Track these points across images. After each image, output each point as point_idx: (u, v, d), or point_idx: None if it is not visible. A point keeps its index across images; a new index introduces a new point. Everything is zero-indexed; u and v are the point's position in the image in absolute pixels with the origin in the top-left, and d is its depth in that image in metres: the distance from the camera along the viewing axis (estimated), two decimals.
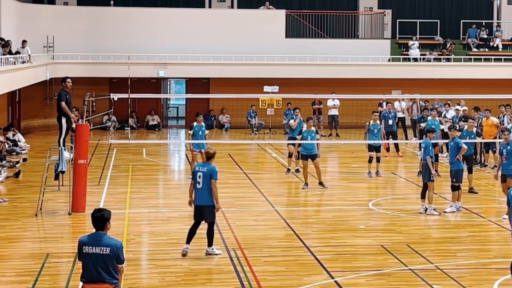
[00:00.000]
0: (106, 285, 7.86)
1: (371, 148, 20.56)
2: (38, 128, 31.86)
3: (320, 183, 18.57)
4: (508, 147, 15.44)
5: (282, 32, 34.03)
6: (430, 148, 15.87)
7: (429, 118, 22.30)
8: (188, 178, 20.21)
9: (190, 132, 19.61)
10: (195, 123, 19.71)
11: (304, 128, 19.07)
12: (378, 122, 20.94)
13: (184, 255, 12.32)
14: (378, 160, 20.67)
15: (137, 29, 33.00)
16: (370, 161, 20.63)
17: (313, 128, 18.89)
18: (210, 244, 12.44)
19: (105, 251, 7.86)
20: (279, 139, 29.45)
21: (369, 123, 20.76)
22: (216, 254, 12.41)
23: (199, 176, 12.31)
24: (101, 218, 7.95)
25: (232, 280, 11.13)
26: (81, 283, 8.16)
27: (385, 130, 24.63)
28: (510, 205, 10.25)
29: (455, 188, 16.03)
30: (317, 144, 18.90)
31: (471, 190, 18.25)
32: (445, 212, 15.83)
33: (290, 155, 21.08)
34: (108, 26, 32.93)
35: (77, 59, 31.84)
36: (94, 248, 7.87)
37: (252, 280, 11.13)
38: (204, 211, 12.33)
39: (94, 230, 8.04)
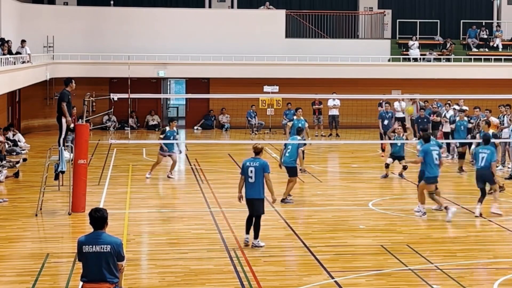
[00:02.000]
0: (107, 285, 7.86)
1: (392, 155, 20.44)
2: (38, 128, 31.86)
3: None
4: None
5: (282, 32, 34.03)
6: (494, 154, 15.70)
7: (457, 119, 22.09)
8: (188, 177, 20.23)
9: (162, 136, 19.99)
10: (167, 128, 20.06)
11: (295, 118, 20.14)
12: (402, 135, 20.76)
13: (246, 245, 12.86)
14: (405, 167, 20.30)
15: (137, 29, 33.00)
16: (387, 166, 20.43)
17: (301, 117, 20.37)
18: (256, 236, 12.89)
19: (106, 249, 7.86)
20: (279, 139, 29.42)
21: (395, 135, 20.73)
22: (261, 246, 12.83)
23: (251, 171, 12.79)
24: (101, 218, 7.96)
25: (232, 280, 11.13)
26: (81, 283, 8.14)
27: (382, 129, 24.71)
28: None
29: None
30: (306, 133, 20.13)
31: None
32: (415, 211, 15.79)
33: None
34: (108, 26, 32.94)
35: (77, 59, 31.84)
36: (94, 246, 7.86)
37: (252, 280, 11.13)
38: (255, 204, 12.84)
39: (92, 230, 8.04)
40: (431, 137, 16.60)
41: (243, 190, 13.06)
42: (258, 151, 13.08)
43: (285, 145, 17.58)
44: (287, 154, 17.16)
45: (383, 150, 24.69)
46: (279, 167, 17.62)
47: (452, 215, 15.09)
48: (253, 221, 12.94)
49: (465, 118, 21.99)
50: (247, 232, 13.02)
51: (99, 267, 7.84)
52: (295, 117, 21.23)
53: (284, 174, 20.58)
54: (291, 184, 16.96)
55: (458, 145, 21.81)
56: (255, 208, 12.89)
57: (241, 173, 13.13)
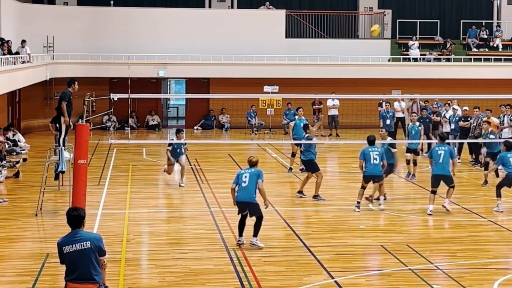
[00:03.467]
0: (90, 285, 7.81)
1: (408, 150, 20.24)
2: (38, 128, 31.85)
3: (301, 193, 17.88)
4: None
5: (282, 32, 34.03)
6: None
7: (483, 132, 20.88)
8: (188, 177, 20.18)
9: (169, 148, 19.23)
10: (174, 139, 19.62)
11: (296, 117, 20.70)
12: (417, 123, 20.59)
13: (239, 245, 12.90)
14: (415, 163, 20.14)
15: (137, 29, 33.00)
16: (408, 162, 20.30)
17: (303, 117, 20.54)
18: (255, 234, 12.94)
19: (86, 245, 7.82)
20: (279, 139, 29.45)
21: (408, 124, 20.41)
22: (259, 247, 12.81)
23: (245, 177, 12.87)
24: (77, 217, 7.94)
25: (232, 280, 11.13)
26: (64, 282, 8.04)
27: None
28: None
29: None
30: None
31: None
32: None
33: (293, 155, 21.13)
34: (108, 26, 32.93)
35: (77, 59, 31.85)
36: (74, 245, 7.82)
37: (252, 280, 11.13)
38: (248, 207, 12.88)
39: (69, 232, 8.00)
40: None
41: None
42: (253, 164, 13.13)
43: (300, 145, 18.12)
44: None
45: None
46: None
47: (356, 209, 15.98)
48: (255, 220, 12.96)
49: (416, 123, 20.72)
50: (240, 234, 13.06)
51: (83, 265, 7.80)
52: (296, 117, 21.20)
53: (281, 174, 20.61)
54: (319, 179, 17.23)
55: (485, 154, 20.53)
56: (251, 212, 12.92)
57: (233, 182, 13.04)
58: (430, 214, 15.66)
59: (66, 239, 7.92)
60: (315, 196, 17.23)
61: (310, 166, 17.50)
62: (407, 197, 18.16)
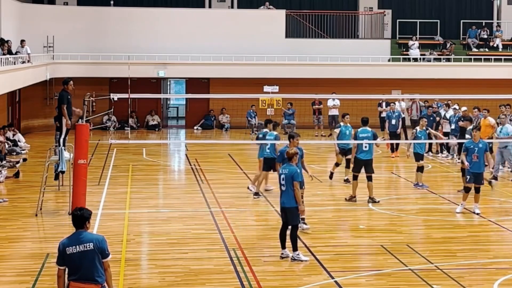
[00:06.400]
0: (93, 286, 7.81)
1: (418, 157, 18.67)
2: (38, 128, 31.87)
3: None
4: None
5: (282, 32, 34.03)
6: None
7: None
8: (188, 177, 20.21)
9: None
10: (268, 130, 17.99)
11: (342, 124, 19.46)
12: (424, 128, 18.89)
13: (282, 258, 12.14)
14: (421, 170, 18.74)
15: (137, 29, 33.00)
16: (419, 170, 18.66)
17: (349, 124, 19.18)
18: (294, 248, 12.06)
19: (89, 247, 7.81)
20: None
21: (416, 130, 19.04)
22: (302, 261, 11.97)
23: (282, 179, 12.15)
24: (81, 217, 7.91)
25: (232, 280, 11.13)
26: (67, 281, 8.00)
27: (388, 130, 24.63)
28: None
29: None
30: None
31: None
32: None
33: (337, 164, 19.78)
34: (108, 26, 32.93)
35: (77, 59, 31.84)
36: (77, 247, 7.80)
37: (252, 280, 11.13)
38: (288, 213, 12.16)
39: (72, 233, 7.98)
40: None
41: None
42: (289, 156, 12.36)
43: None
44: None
45: (392, 150, 24.64)
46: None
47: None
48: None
49: (424, 128, 19.19)
50: (283, 247, 12.21)
51: (86, 266, 7.79)
52: (342, 123, 19.64)
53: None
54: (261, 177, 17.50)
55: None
56: (289, 218, 12.18)
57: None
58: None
59: (69, 240, 7.91)
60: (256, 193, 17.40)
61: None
62: (407, 197, 18.15)
